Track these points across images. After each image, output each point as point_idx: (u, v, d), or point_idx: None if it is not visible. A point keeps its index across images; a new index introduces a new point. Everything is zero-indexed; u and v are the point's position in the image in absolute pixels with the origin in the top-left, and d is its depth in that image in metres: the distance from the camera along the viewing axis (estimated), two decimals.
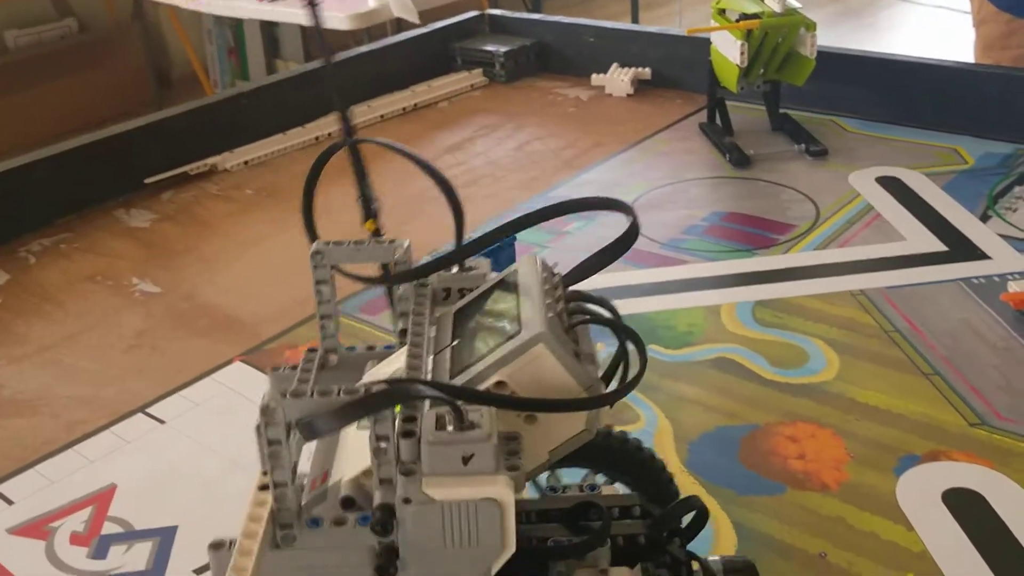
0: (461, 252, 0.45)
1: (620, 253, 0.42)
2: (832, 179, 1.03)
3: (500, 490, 0.35)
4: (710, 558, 0.45)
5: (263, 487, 0.37)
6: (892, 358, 0.74)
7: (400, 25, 2.19)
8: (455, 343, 0.42)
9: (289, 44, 3.23)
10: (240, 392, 0.76)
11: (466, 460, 0.35)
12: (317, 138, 1.22)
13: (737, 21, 1.04)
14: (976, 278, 0.83)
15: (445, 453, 0.35)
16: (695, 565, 0.44)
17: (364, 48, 1.35)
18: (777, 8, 1.04)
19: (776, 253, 0.90)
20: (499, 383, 0.39)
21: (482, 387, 0.38)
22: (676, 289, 0.86)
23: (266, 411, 0.35)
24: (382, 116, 1.28)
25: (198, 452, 0.70)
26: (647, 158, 1.14)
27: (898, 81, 1.17)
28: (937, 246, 0.89)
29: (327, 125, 1.24)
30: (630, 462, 0.51)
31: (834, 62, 1.18)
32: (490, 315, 0.43)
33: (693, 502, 0.44)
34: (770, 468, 0.64)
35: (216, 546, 0.38)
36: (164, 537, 0.62)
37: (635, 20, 3.49)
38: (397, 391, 0.36)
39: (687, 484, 0.63)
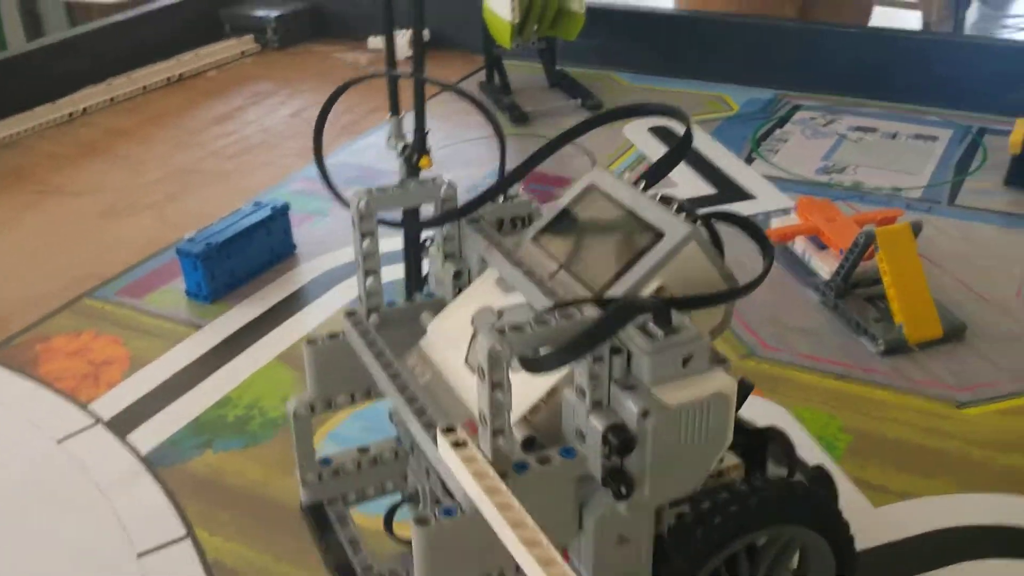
0: (509, 180, 0.45)
1: (682, 157, 0.45)
2: (608, 132, 1.04)
3: (726, 383, 0.36)
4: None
5: (456, 444, 0.35)
6: None
7: None
8: (569, 265, 0.41)
9: (52, 17, 3.00)
10: None
11: (686, 362, 0.35)
12: (71, 114, 1.13)
13: None
14: None
15: (667, 359, 0.35)
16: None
17: (121, 16, 1.25)
18: None
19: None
20: (659, 287, 0.39)
21: (644, 293, 0.38)
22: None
23: (493, 353, 0.33)
24: (144, 87, 1.20)
25: None
26: (428, 120, 1.11)
27: (666, 34, 1.21)
28: (706, 189, 0.91)
29: (82, 100, 1.15)
30: None
31: (605, 17, 1.20)
32: (592, 230, 0.43)
33: (746, 383, 0.45)
34: None
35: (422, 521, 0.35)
36: None
37: None
38: (626, 310, 0.35)
39: None
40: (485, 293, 0.43)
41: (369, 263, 0.44)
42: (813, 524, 0.42)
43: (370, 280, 0.44)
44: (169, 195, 0.96)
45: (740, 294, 0.40)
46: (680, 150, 0.44)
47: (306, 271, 0.82)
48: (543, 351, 0.34)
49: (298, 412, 0.45)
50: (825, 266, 0.74)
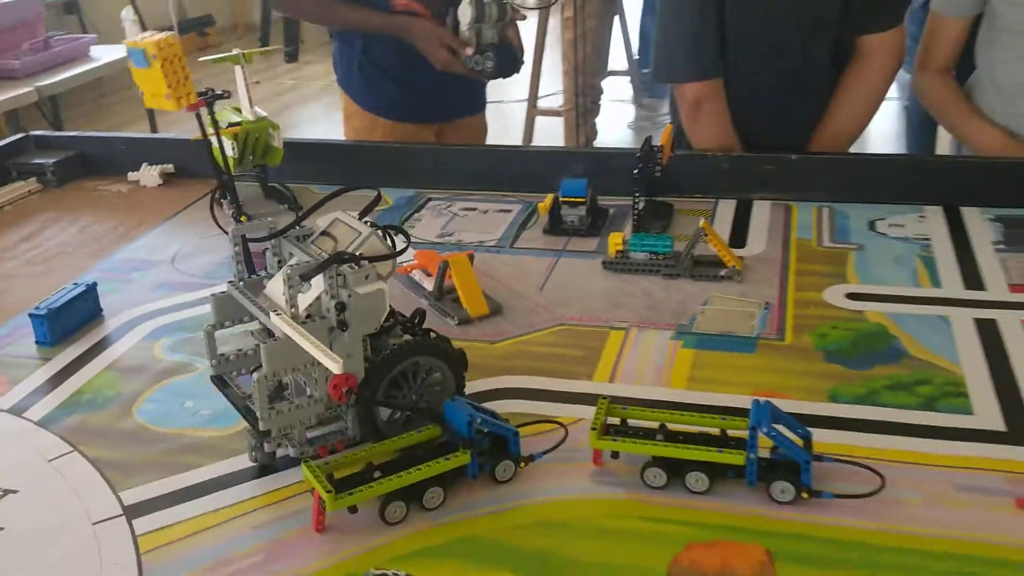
0: (298, 221, 0.96)
1: (374, 207, 1.00)
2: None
3: (381, 286, 0.88)
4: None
5: (277, 314, 0.87)
6: None
7: None
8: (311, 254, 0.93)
9: None
10: None
11: (367, 277, 0.87)
12: None
13: (227, 128, 1.56)
14: None
15: (358, 276, 0.86)
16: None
17: None
18: (251, 117, 1.57)
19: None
20: (360, 254, 0.90)
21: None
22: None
23: (291, 273, 0.86)
24: None
25: None
26: (180, 226, 1.61)
27: (344, 158, 1.77)
28: None
29: None
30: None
31: (304, 148, 1.75)
32: (336, 234, 0.95)
33: (419, 311, 1.00)
34: None
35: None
36: None
37: (154, 129, 3.92)
38: (333, 260, 0.86)
39: None
40: None
41: (239, 258, 0.95)
42: (435, 355, 0.97)
43: (240, 267, 0.95)
44: (4, 291, 1.39)
45: (384, 258, 0.93)
46: (370, 206, 1.00)
47: (113, 323, 1.28)
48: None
49: (207, 331, 0.95)
50: (429, 285, 1.31)
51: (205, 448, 1.01)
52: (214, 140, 1.61)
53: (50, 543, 0.89)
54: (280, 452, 0.95)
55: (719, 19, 1.68)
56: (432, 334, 1.00)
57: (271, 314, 0.89)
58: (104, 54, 3.77)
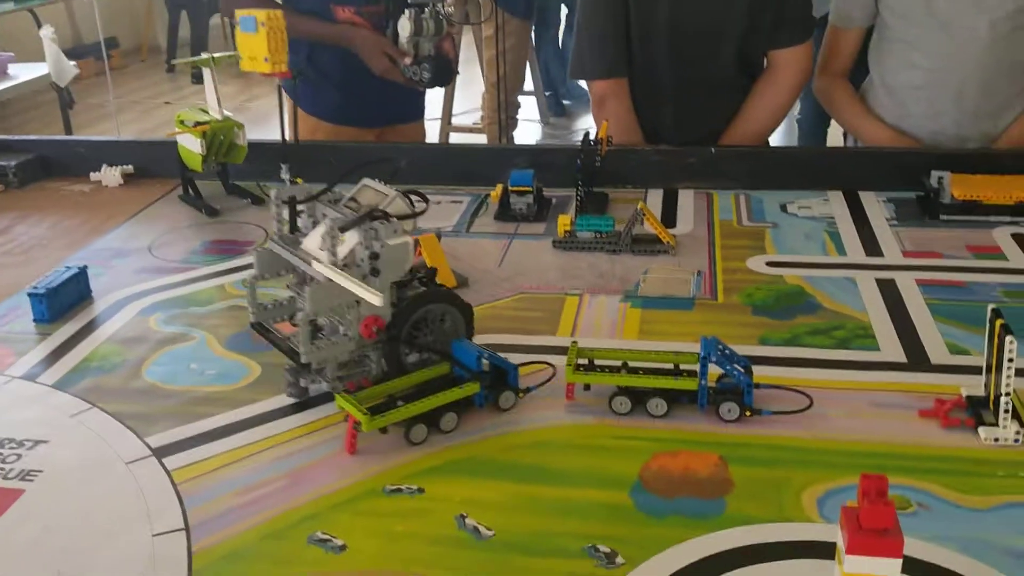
0: (330, 186, 1.08)
1: (396, 173, 1.10)
2: (265, 216, 1.69)
3: (408, 240, 1.01)
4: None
5: (317, 261, 0.99)
6: None
7: None
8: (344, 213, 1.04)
9: None
10: None
11: (396, 232, 0.99)
12: None
13: (194, 127, 1.66)
14: None
15: (388, 229, 0.99)
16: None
17: None
18: (219, 116, 1.68)
19: (244, 256, 1.53)
20: (386, 213, 1.01)
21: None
22: (194, 280, 1.45)
23: (331, 225, 0.98)
24: None
25: None
26: (148, 220, 1.70)
27: (294, 156, 1.88)
28: None
29: None
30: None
31: (253, 148, 1.86)
32: (367, 195, 1.06)
33: (431, 270, 1.11)
34: None
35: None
36: None
37: (69, 133, 3.93)
38: (366, 216, 0.99)
39: None
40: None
41: (281, 216, 1.08)
42: (450, 303, 1.10)
43: (283, 228, 1.08)
44: None
45: (409, 217, 1.05)
46: (396, 170, 1.11)
47: (103, 303, 1.38)
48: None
49: (250, 282, 1.07)
50: None
51: (217, 400, 1.12)
52: (180, 140, 1.72)
53: (90, 480, 0.99)
54: (313, 389, 1.08)
55: (625, 24, 1.87)
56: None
57: (313, 262, 1.01)
58: (21, 72, 3.78)
